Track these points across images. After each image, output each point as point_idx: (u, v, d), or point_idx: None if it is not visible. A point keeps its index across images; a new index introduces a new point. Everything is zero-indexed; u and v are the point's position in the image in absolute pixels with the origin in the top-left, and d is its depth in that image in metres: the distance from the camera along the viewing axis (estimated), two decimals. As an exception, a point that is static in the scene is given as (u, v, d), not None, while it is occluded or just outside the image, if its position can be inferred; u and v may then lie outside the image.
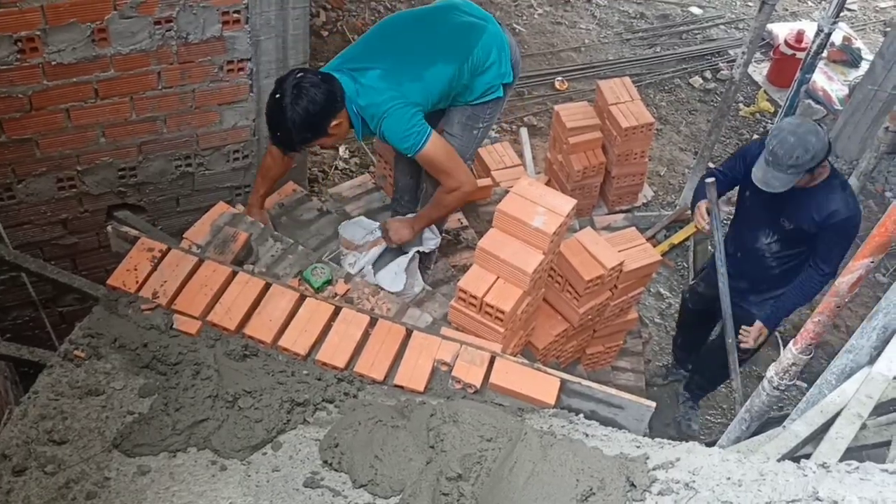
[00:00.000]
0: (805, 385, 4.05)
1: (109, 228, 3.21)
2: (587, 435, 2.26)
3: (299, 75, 2.98)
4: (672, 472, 1.88)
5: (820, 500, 1.56)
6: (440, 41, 3.27)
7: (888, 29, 7.18)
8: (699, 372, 4.59)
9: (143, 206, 3.83)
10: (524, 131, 6.37)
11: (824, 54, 7.12)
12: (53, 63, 3.16)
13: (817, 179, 3.48)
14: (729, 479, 1.77)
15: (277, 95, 2.96)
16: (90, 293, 3.10)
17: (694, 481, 1.80)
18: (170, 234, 3.44)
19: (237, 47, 3.46)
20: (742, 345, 3.85)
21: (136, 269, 2.93)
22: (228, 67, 3.52)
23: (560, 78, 6.89)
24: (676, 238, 5.65)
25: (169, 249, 3.02)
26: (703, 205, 3.94)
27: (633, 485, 1.89)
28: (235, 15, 3.36)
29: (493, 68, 3.35)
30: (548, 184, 5.36)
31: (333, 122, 3.05)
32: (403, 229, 3.52)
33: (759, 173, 3.45)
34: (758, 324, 3.82)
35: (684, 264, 5.62)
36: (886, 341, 2.24)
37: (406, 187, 3.85)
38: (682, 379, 4.80)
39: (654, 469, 1.93)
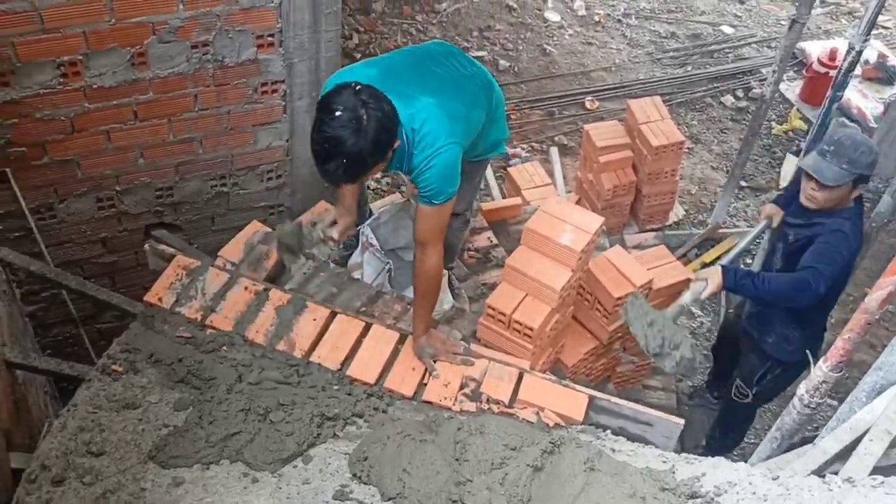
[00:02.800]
0: (837, 403, 4.01)
1: (147, 247, 3.29)
2: (614, 451, 2.27)
3: (358, 87, 2.53)
4: (697, 486, 1.88)
5: (845, 514, 1.57)
6: (471, 85, 3.04)
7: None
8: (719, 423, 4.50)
9: (180, 225, 3.92)
10: (554, 150, 6.40)
11: (858, 72, 7.10)
12: (95, 86, 3.26)
13: (842, 203, 3.41)
14: (755, 493, 1.77)
15: (339, 113, 2.46)
16: (128, 310, 3.19)
17: (719, 496, 1.81)
18: (205, 252, 3.52)
19: (271, 70, 3.54)
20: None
21: (171, 287, 3.01)
22: (263, 89, 3.60)
23: (590, 97, 6.92)
24: (708, 257, 5.62)
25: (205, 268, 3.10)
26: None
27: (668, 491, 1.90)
28: (269, 38, 3.45)
29: (500, 122, 3.28)
30: (578, 202, 5.38)
31: (395, 143, 2.65)
32: (427, 348, 2.99)
33: (809, 161, 3.33)
34: (717, 267, 3.56)
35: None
36: (917, 358, 2.23)
37: None
38: (708, 405, 4.74)
39: (681, 483, 1.94)
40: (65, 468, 2.36)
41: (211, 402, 2.57)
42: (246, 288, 3.07)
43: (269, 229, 3.62)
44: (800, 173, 3.61)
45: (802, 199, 3.41)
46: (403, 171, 2.89)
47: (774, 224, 3.82)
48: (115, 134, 3.45)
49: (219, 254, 3.39)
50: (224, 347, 2.83)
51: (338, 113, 2.46)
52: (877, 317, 2.51)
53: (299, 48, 3.54)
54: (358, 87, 2.53)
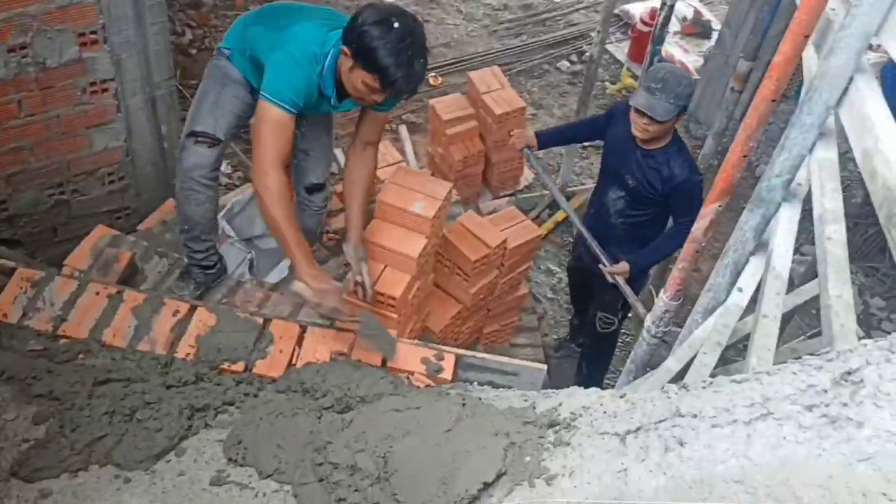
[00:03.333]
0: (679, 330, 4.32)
1: (-16, 263, 3.13)
2: (480, 398, 2.38)
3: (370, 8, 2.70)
4: (555, 415, 2.01)
5: (682, 415, 1.72)
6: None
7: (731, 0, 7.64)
8: (584, 360, 4.79)
9: (19, 240, 3.74)
10: (403, 129, 6.48)
11: (678, 28, 7.55)
12: None
13: (663, 140, 3.70)
14: (605, 412, 1.91)
15: (408, 20, 2.70)
16: (-29, 331, 3.03)
17: (575, 420, 1.94)
18: (50, 265, 3.37)
19: (98, 68, 3.42)
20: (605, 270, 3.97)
21: (16, 301, 2.88)
22: (92, 89, 3.48)
23: (433, 73, 7.04)
24: (559, 215, 5.88)
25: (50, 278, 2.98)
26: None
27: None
28: (93, 35, 3.34)
29: None
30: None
31: None
32: (319, 293, 2.85)
33: (641, 99, 3.58)
34: (623, 264, 3.88)
35: (569, 239, 5.84)
36: (738, 275, 2.45)
37: None
38: (574, 354, 4.98)
39: (540, 415, 2.06)
40: (-82, 499, 2.24)
41: (72, 409, 2.49)
42: (97, 293, 2.98)
43: (117, 232, 3.52)
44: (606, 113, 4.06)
45: (636, 132, 3.69)
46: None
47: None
48: (-66, 149, 3.27)
49: (65, 263, 3.28)
50: (81, 355, 2.75)
51: (409, 21, 2.69)
52: (703, 244, 2.73)
53: (126, 43, 3.44)
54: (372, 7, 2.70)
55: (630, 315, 4.38)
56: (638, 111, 3.60)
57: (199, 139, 3.07)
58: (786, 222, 2.29)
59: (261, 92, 2.78)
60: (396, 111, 6.64)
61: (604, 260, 3.92)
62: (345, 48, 2.76)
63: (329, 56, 2.86)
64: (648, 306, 3.82)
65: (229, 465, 2.38)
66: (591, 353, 4.65)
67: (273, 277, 3.51)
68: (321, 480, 2.18)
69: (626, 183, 3.83)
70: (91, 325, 2.84)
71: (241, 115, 3.16)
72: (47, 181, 3.64)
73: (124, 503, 2.27)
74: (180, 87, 3.83)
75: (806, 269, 4.32)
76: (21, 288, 2.93)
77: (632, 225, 3.95)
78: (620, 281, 3.84)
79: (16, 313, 2.85)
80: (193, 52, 6.54)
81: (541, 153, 4.93)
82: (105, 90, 3.51)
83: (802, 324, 4.63)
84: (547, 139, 4.36)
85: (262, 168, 2.72)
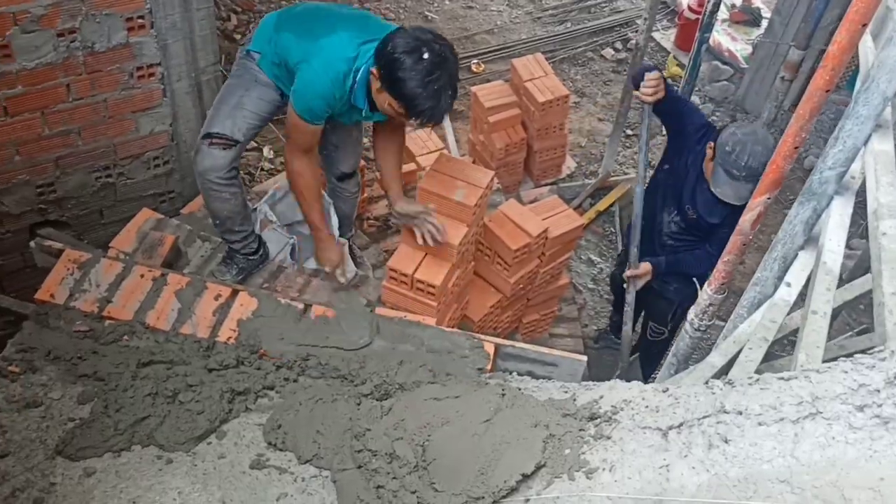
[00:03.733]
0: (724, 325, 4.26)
1: (33, 244, 3.19)
2: (520, 389, 2.36)
3: (399, 33, 2.77)
4: (596, 408, 1.99)
5: (727, 412, 1.69)
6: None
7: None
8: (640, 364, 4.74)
9: (67, 222, 3.80)
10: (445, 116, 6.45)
11: (727, 16, 7.41)
12: (-43, 84, 3.13)
13: None
14: (647, 406, 1.88)
15: (443, 51, 2.72)
16: (19, 311, 3.10)
17: (616, 413, 1.91)
18: (97, 246, 3.43)
19: (145, 52, 3.46)
20: (626, 274, 3.97)
21: (63, 282, 2.93)
22: (139, 74, 3.51)
23: (476, 61, 7.00)
24: (602, 205, 5.82)
25: (97, 259, 3.03)
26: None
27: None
28: (140, 20, 3.36)
29: None
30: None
31: None
32: (323, 253, 3.35)
33: (728, 190, 3.41)
34: (646, 264, 3.87)
35: (611, 230, 5.78)
36: (787, 270, 2.39)
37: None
38: (614, 346, 4.93)
39: (581, 408, 2.04)
40: (-32, 474, 2.29)
41: (116, 390, 2.53)
42: (142, 275, 3.01)
43: (161, 216, 3.56)
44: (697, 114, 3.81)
45: (719, 195, 3.47)
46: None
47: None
48: (-14, 132, 3.32)
49: (110, 245, 3.33)
50: (125, 337, 2.78)
51: (445, 51, 2.72)
52: (750, 237, 2.67)
53: (172, 28, 3.46)
54: (402, 33, 2.75)
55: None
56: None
57: (214, 141, 3.08)
58: (838, 216, 2.23)
59: (290, 101, 2.93)
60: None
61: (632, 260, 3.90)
62: (374, 70, 2.79)
63: (361, 71, 2.87)
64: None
65: (269, 450, 2.40)
66: (645, 357, 4.61)
67: (314, 263, 3.52)
68: (360, 467, 2.18)
69: (685, 212, 3.72)
70: (135, 308, 2.88)
71: (266, 117, 3.18)
72: (94, 164, 3.69)
73: (166, 483, 2.30)
74: (224, 73, 3.85)
75: (855, 264, 4.21)
76: (68, 269, 2.97)
77: (680, 248, 3.86)
78: (638, 284, 3.90)
79: (63, 294, 2.90)
80: (238, 37, 6.57)
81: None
82: (151, 74, 3.55)
83: (850, 319, 4.52)
84: (669, 107, 3.69)
85: (289, 157, 3.09)
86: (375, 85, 2.82)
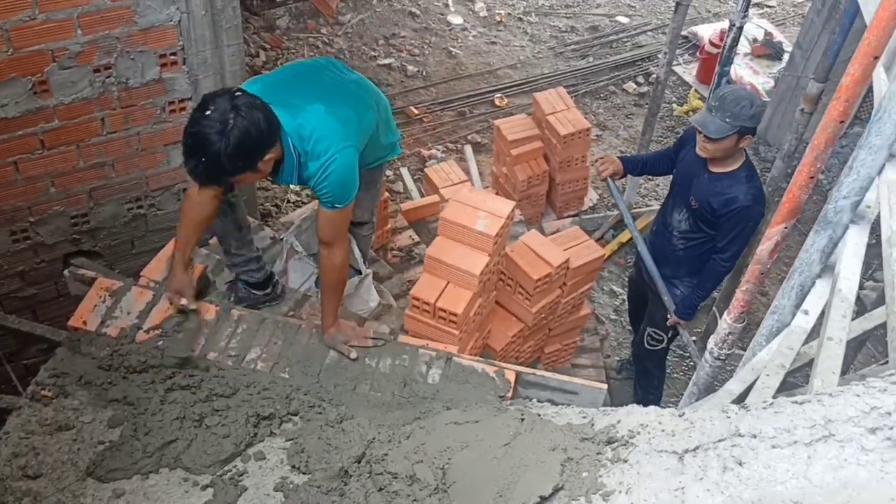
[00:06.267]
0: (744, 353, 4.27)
1: (66, 272, 3.29)
2: (539, 415, 2.39)
3: (237, 94, 2.58)
4: (613, 432, 2.02)
5: (741, 435, 1.71)
6: (357, 89, 3.06)
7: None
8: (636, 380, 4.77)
9: (99, 252, 3.91)
10: (468, 148, 6.55)
11: (748, 50, 7.46)
12: (-2, 118, 3.25)
13: (732, 164, 3.67)
14: (664, 430, 1.91)
15: (209, 112, 2.51)
16: (53, 339, 3.19)
17: (633, 437, 1.94)
18: (127, 276, 3.51)
19: (177, 88, 3.58)
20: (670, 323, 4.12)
21: (95, 309, 3.02)
22: (171, 108, 3.64)
23: (499, 95, 7.10)
24: (624, 236, 5.85)
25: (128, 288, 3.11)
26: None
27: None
28: (172, 57, 3.49)
29: (390, 124, 3.26)
30: (495, 196, 5.52)
31: (267, 156, 2.65)
32: (338, 336, 3.05)
33: (698, 117, 3.66)
34: (672, 317, 4.05)
35: (632, 260, 5.80)
36: (804, 298, 2.42)
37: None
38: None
39: (599, 432, 2.07)
40: (1, 493, 2.36)
41: (145, 414, 2.60)
42: (171, 303, 3.09)
43: (191, 245, 3.65)
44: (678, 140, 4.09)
45: (697, 150, 3.70)
46: (298, 182, 2.85)
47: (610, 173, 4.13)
48: (23, 164, 3.44)
49: (141, 274, 3.41)
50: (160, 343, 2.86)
51: (208, 112, 2.51)
52: (769, 266, 2.70)
53: (203, 64, 3.58)
54: (238, 94, 2.58)
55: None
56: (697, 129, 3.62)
57: None
58: (853, 245, 2.26)
59: (329, 202, 2.82)
60: (462, 131, 6.73)
61: (665, 301, 4.04)
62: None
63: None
64: (712, 329, 3.79)
65: (293, 473, 2.44)
66: (637, 371, 4.61)
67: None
68: (380, 490, 2.22)
69: (690, 204, 3.81)
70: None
71: None
72: (126, 196, 3.81)
73: (192, 505, 2.35)
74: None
75: (878, 296, 4.21)
76: (100, 297, 3.07)
77: (692, 247, 3.92)
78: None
79: (95, 321, 2.98)
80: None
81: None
82: (183, 109, 3.66)
83: (875, 351, 4.49)
84: (632, 167, 4.25)
85: (340, 253, 2.93)
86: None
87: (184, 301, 2.99)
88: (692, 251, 3.92)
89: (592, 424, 2.13)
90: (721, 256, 3.78)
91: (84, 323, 2.98)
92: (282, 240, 3.91)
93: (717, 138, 3.54)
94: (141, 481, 2.43)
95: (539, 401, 2.89)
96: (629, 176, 5.86)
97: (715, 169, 3.70)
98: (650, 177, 6.44)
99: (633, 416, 2.06)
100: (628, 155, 4.54)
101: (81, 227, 3.78)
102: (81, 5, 3.16)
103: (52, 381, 2.79)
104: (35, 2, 3.06)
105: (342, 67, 3.15)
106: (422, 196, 5.90)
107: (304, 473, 2.42)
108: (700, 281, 3.92)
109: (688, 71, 7.62)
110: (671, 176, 4.14)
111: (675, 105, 7.22)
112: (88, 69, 3.33)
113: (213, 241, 4.01)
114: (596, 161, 4.31)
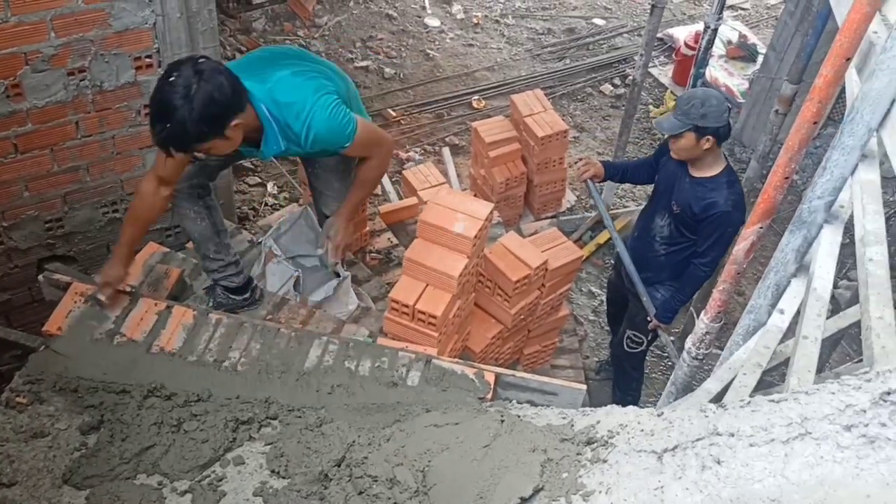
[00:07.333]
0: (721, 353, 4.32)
1: (41, 277, 3.24)
2: (519, 416, 2.40)
3: (200, 60, 2.59)
4: (593, 433, 2.03)
5: (719, 434, 1.72)
6: (327, 68, 3.14)
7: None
8: (614, 381, 4.81)
9: (74, 257, 3.87)
10: (446, 151, 6.55)
11: (723, 52, 7.52)
12: (-31, 123, 3.21)
13: (711, 169, 3.70)
14: (643, 430, 1.92)
15: (172, 78, 2.52)
16: (27, 345, 3.15)
17: (612, 437, 1.95)
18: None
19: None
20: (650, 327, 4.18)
21: (70, 315, 2.98)
22: (146, 111, 3.58)
23: (477, 97, 7.12)
24: (601, 238, 5.88)
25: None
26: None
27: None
28: (148, 59, 3.46)
29: (362, 113, 3.24)
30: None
31: (234, 121, 2.64)
32: (343, 230, 3.26)
33: (661, 118, 3.84)
34: (652, 320, 4.10)
35: (611, 261, 5.82)
36: (780, 297, 2.44)
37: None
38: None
39: (578, 433, 2.08)
40: (-24, 502, 2.33)
41: (122, 420, 2.57)
42: (147, 309, 3.07)
43: (167, 250, 3.62)
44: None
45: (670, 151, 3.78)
46: (287, 150, 2.89)
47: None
48: (-4, 168, 3.40)
49: (116, 278, 3.37)
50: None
51: (171, 78, 2.52)
52: (744, 266, 2.73)
53: (179, 67, 3.55)
54: (201, 60, 2.60)
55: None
56: None
57: None
58: (827, 244, 2.29)
59: (347, 139, 2.93)
60: (440, 133, 6.73)
61: (645, 304, 4.07)
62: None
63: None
64: (689, 329, 3.82)
65: (272, 477, 2.43)
66: (620, 375, 4.65)
67: (318, 296, 3.57)
68: (361, 493, 2.22)
69: (672, 209, 3.83)
70: (142, 339, 2.92)
71: None
72: (101, 199, 3.77)
73: (170, 511, 2.33)
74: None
75: (853, 294, 4.26)
76: (75, 302, 3.03)
77: (674, 252, 3.95)
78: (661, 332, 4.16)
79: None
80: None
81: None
82: (158, 112, 3.63)
83: (850, 350, 4.55)
84: (613, 174, 4.30)
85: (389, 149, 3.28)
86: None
87: (101, 296, 2.94)
88: (674, 256, 3.94)
89: (572, 425, 2.13)
90: (701, 261, 3.81)
91: (59, 329, 2.95)
92: (259, 243, 3.89)
93: (672, 135, 3.65)
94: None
95: (519, 402, 2.89)
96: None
97: (695, 174, 3.73)
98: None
99: (612, 416, 2.07)
100: (610, 160, 4.60)
101: (56, 232, 3.74)
102: (55, 8, 3.12)
103: (27, 387, 2.74)
104: (7, 4, 3.02)
105: (309, 55, 3.21)
106: (400, 198, 5.90)
107: (283, 478, 2.41)
108: (680, 286, 3.95)
109: (664, 73, 7.68)
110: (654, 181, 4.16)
111: (651, 107, 7.27)
112: (62, 72, 3.30)
113: (190, 244, 3.99)
114: (576, 162, 4.42)
